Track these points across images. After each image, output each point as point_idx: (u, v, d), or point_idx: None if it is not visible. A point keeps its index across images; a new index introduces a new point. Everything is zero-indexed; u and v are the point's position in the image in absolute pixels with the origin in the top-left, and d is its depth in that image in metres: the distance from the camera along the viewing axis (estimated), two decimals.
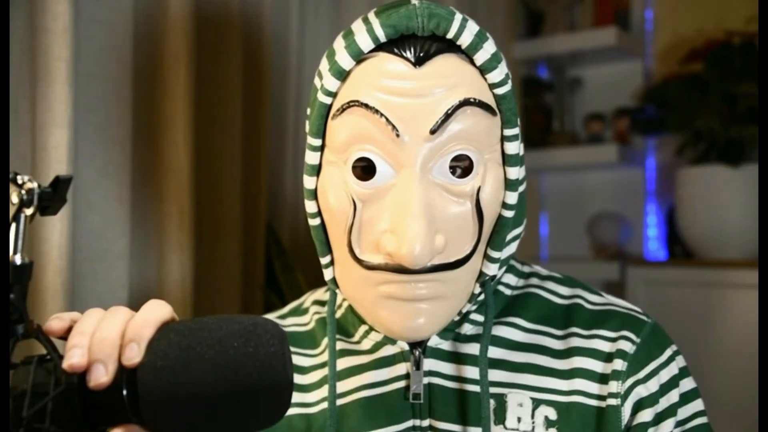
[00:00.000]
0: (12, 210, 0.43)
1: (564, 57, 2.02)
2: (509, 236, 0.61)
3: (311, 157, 0.58)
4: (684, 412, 0.61)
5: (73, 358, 0.42)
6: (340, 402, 0.63)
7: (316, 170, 0.59)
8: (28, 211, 0.44)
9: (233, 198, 1.15)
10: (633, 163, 1.96)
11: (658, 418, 0.60)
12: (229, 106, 1.16)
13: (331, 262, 0.61)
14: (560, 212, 2.17)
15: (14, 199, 0.43)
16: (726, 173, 1.60)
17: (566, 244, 2.15)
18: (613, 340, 0.62)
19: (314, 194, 0.59)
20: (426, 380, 0.61)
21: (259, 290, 1.21)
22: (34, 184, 0.44)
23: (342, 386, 0.64)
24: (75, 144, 0.88)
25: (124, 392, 0.42)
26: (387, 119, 0.53)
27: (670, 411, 0.60)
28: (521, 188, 0.60)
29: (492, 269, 0.59)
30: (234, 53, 1.16)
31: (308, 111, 0.60)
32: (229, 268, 1.15)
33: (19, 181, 0.43)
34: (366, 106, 0.54)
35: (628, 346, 0.61)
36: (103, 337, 0.43)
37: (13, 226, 0.43)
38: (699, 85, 1.64)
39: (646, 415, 0.59)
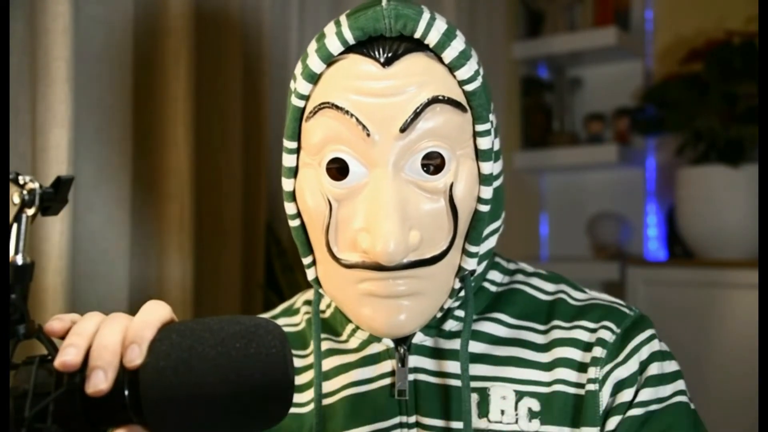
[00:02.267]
0: (13, 210, 0.43)
1: (564, 57, 2.01)
2: (487, 231, 0.61)
3: (288, 160, 0.60)
4: (664, 390, 0.60)
5: (66, 356, 0.42)
6: (328, 401, 0.64)
7: (293, 172, 0.60)
8: (30, 212, 0.44)
9: (233, 198, 1.15)
10: (633, 163, 1.96)
11: (636, 391, 0.60)
12: (229, 106, 1.16)
13: (313, 262, 0.62)
14: (560, 212, 2.17)
15: (16, 199, 0.43)
16: (726, 173, 1.60)
17: (566, 244, 2.15)
18: (594, 330, 0.62)
19: (293, 196, 0.60)
20: (411, 377, 0.62)
21: (259, 290, 1.21)
22: (36, 185, 0.43)
23: (330, 385, 0.64)
24: (75, 144, 0.88)
25: (126, 393, 0.42)
26: (357, 119, 0.54)
27: (648, 382, 0.60)
28: (497, 183, 0.61)
29: (471, 264, 0.60)
30: (234, 53, 1.16)
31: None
32: (229, 268, 1.15)
33: (21, 182, 0.43)
34: (337, 107, 0.55)
35: (608, 335, 0.61)
36: (104, 343, 0.43)
37: (15, 226, 0.43)
38: (699, 85, 1.64)
39: (627, 395, 0.59)
